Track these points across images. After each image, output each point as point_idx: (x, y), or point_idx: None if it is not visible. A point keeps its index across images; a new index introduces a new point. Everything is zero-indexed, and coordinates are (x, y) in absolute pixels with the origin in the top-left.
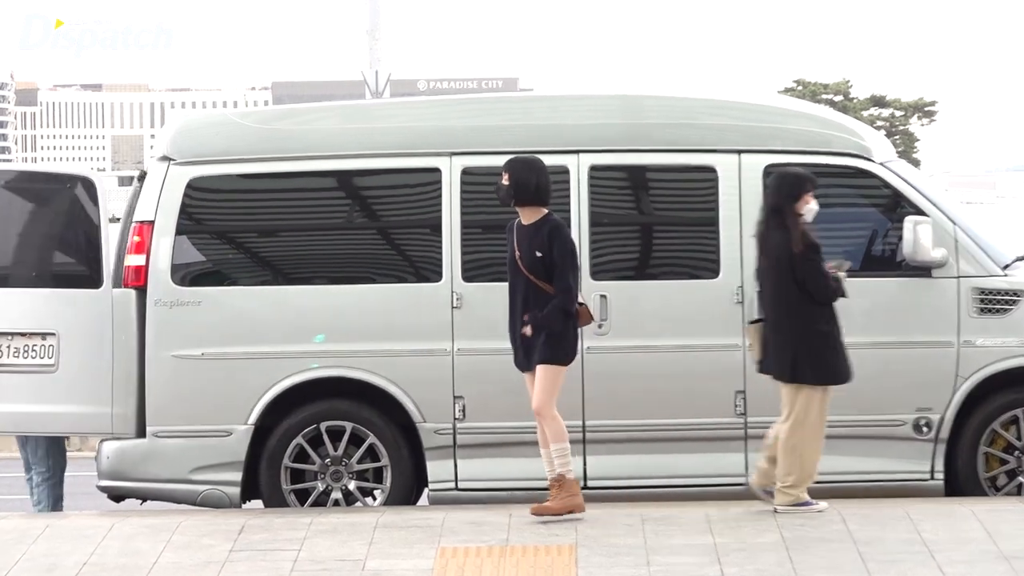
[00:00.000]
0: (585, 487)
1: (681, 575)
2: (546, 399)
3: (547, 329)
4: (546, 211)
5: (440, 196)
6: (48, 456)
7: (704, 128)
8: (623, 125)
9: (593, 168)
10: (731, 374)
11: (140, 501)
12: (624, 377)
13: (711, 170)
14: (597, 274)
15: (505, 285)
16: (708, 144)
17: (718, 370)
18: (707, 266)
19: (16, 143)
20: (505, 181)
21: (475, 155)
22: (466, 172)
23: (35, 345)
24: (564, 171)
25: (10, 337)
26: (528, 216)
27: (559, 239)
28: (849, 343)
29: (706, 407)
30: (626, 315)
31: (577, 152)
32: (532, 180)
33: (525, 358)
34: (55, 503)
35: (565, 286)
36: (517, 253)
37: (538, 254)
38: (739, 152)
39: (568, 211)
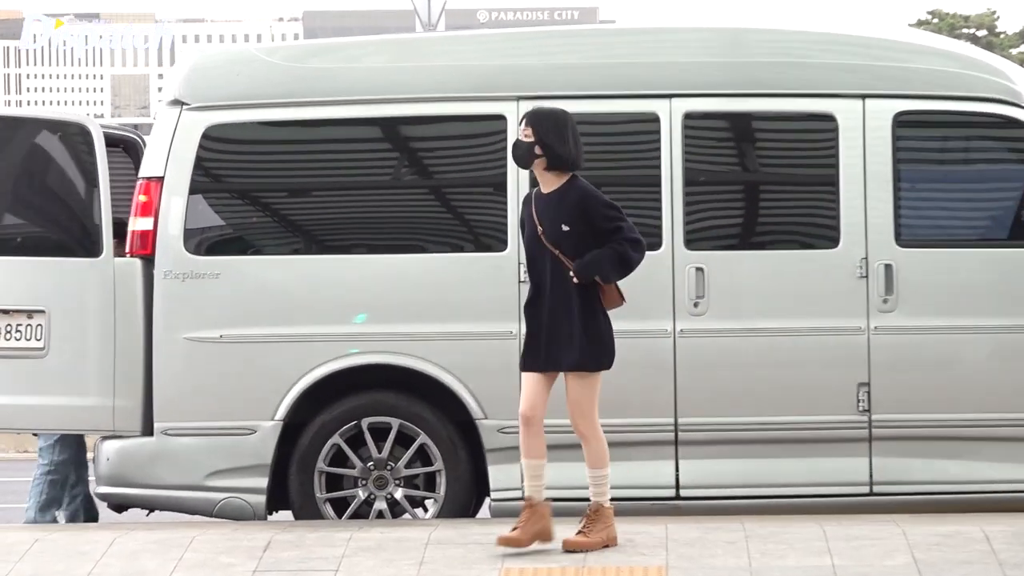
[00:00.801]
0: (678, 497)
1: None
2: (589, 413)
3: (598, 273)
4: (570, 175)
5: (506, 148)
6: (55, 449)
7: (820, 68)
8: (723, 65)
9: (688, 116)
10: (853, 363)
11: (146, 511)
12: (724, 366)
13: (829, 118)
14: (692, 243)
15: None
16: (825, 87)
17: (838, 358)
18: (824, 233)
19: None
20: (527, 136)
21: (546, 100)
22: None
23: (20, 325)
24: (653, 119)
25: None
26: (550, 182)
27: (595, 204)
28: (995, 326)
29: (822, 403)
30: (726, 292)
31: (669, 97)
32: (565, 138)
33: (547, 358)
34: (46, 504)
35: (633, 237)
36: (539, 228)
37: (564, 228)
38: (863, 97)
39: (658, 167)
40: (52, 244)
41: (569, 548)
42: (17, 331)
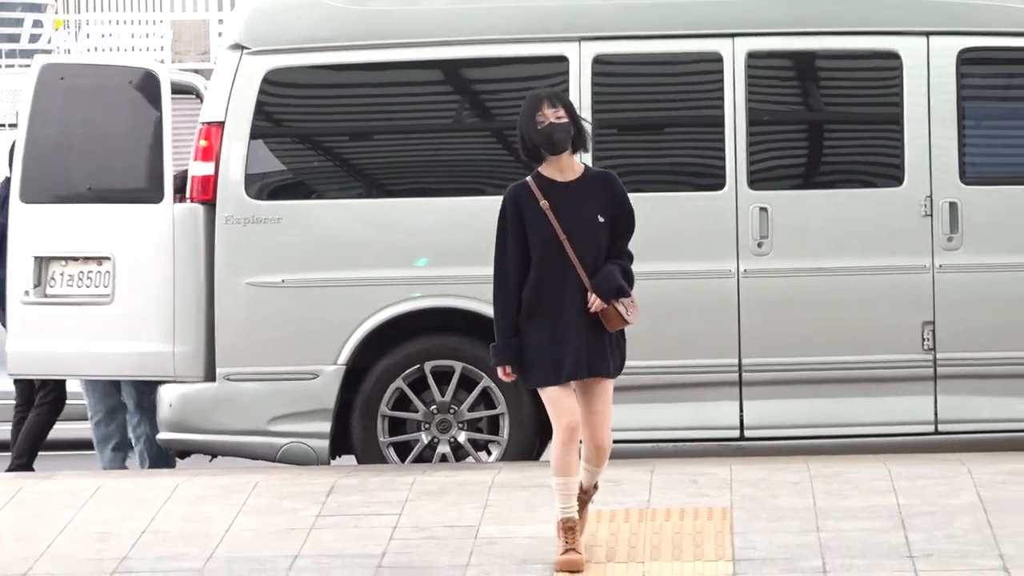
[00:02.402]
0: (742, 438)
1: (858, 543)
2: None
3: (617, 285)
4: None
5: (567, 90)
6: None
7: (884, 5)
8: (786, 3)
9: (751, 55)
10: (918, 302)
11: (209, 457)
12: (788, 306)
13: (894, 56)
14: (756, 183)
15: (647, 196)
16: (890, 25)
17: (902, 297)
18: (889, 172)
19: (57, 29)
20: (558, 118)
21: (610, 40)
22: (599, 61)
23: (91, 272)
24: (716, 59)
25: (63, 263)
26: (568, 169)
27: (627, 196)
28: None
29: (887, 342)
30: (791, 231)
31: (732, 36)
32: (583, 123)
33: (574, 365)
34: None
35: (632, 257)
36: (558, 229)
37: (600, 219)
38: (927, 34)
39: (721, 107)
40: (118, 191)
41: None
42: (88, 278)
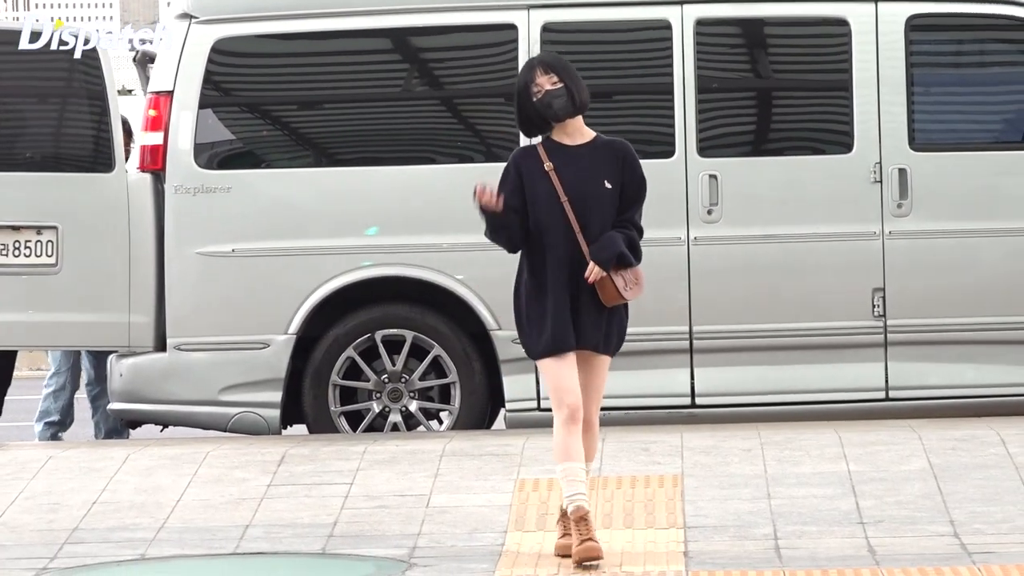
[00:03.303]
0: (693, 405)
1: (809, 510)
2: (601, 399)
3: (619, 251)
4: None
5: (516, 59)
6: (66, 365)
7: None
8: None
9: (700, 22)
10: (868, 269)
11: (160, 428)
12: (739, 273)
13: (842, 22)
14: (706, 150)
15: None
16: None
17: (852, 264)
18: (838, 139)
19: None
20: (553, 84)
21: (558, 8)
22: (547, 29)
23: (28, 241)
24: (665, 26)
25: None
26: (576, 133)
27: (637, 164)
28: (1010, 228)
29: (838, 309)
30: (740, 198)
31: (680, 3)
32: (579, 77)
33: (564, 336)
34: (42, 415)
35: (642, 230)
36: (560, 190)
37: (607, 184)
38: (876, 0)
39: (671, 75)
40: (63, 159)
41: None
42: (26, 247)
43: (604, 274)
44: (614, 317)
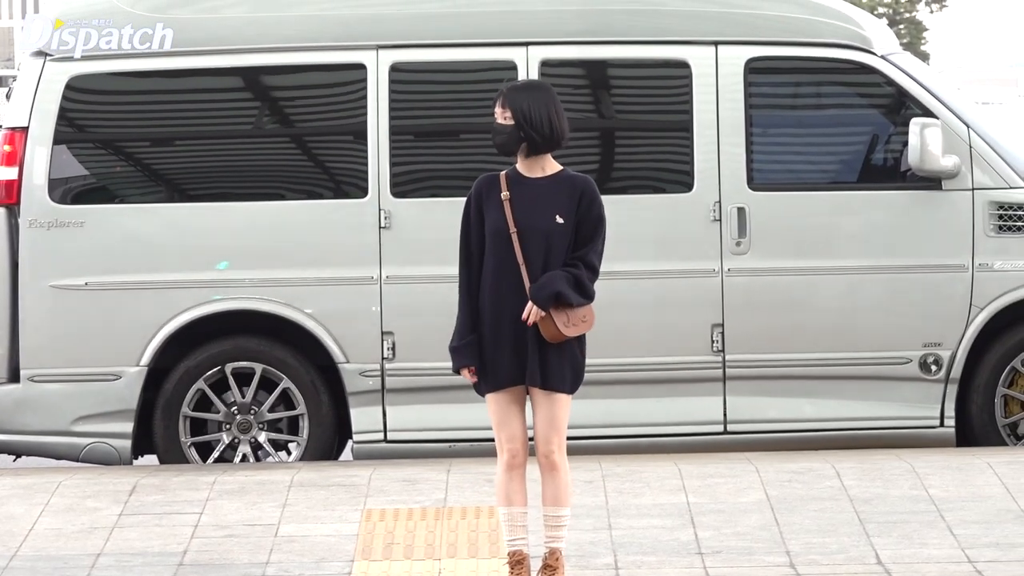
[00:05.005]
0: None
1: (649, 541)
2: (563, 438)
3: (556, 291)
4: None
5: (365, 97)
6: None
7: (674, 15)
8: (579, 12)
9: (544, 63)
10: (707, 305)
11: (13, 457)
12: None
13: (683, 65)
14: None
15: (441, 201)
16: (679, 34)
17: (692, 300)
18: (679, 179)
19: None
20: (505, 119)
21: (407, 48)
22: (396, 68)
23: None
24: (511, 67)
25: None
26: (536, 167)
27: (598, 205)
28: (846, 267)
29: (679, 344)
30: None
31: (526, 44)
32: (548, 116)
33: (506, 374)
34: None
35: (596, 269)
36: (511, 221)
37: (559, 220)
38: (716, 44)
39: None
40: None
41: None
42: None
43: (543, 314)
44: (564, 353)
